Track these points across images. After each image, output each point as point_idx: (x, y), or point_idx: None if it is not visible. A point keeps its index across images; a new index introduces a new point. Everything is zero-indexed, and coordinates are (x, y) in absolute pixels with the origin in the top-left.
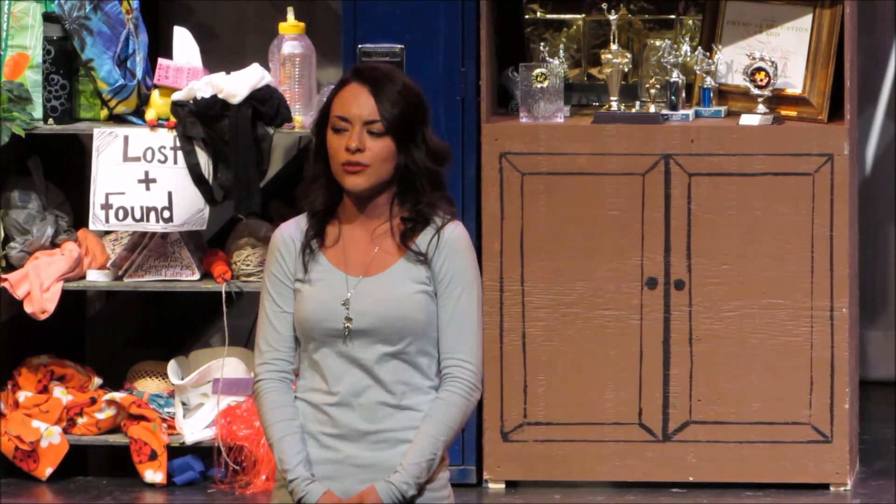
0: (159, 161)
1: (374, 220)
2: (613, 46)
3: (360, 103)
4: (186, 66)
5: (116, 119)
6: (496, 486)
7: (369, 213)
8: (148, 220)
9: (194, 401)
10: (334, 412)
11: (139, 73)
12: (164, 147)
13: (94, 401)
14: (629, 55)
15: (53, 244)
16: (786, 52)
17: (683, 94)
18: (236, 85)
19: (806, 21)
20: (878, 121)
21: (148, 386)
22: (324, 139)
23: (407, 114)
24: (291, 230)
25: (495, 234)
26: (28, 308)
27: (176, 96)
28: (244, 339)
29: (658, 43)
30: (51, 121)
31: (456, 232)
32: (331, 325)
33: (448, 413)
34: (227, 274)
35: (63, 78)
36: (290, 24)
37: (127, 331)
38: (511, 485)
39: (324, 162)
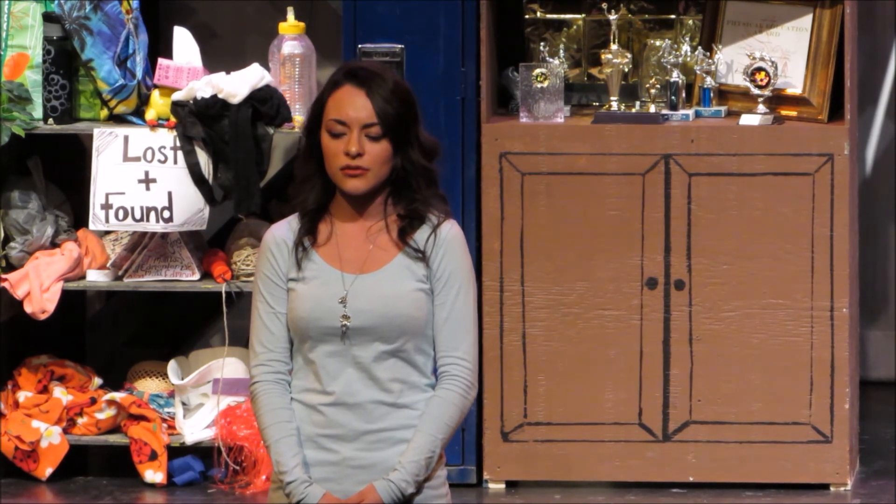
0: (159, 161)
1: (368, 219)
2: (613, 46)
3: (357, 106)
4: (186, 66)
5: (116, 119)
6: (496, 486)
7: (364, 211)
8: (148, 220)
9: (194, 401)
10: (330, 412)
11: (139, 73)
12: (164, 147)
13: (94, 401)
14: (629, 55)
15: (53, 244)
16: (786, 52)
17: (683, 94)
18: (236, 85)
19: (806, 21)
20: (878, 121)
21: (148, 386)
22: (316, 139)
23: (402, 114)
24: (283, 231)
25: (495, 234)
26: (28, 308)
27: (176, 96)
28: (244, 339)
29: (658, 43)
30: (51, 121)
31: (452, 230)
32: (327, 323)
33: (446, 411)
34: (227, 274)
35: (63, 78)
36: (290, 24)
37: (127, 331)
38: (511, 485)
39: (316, 162)
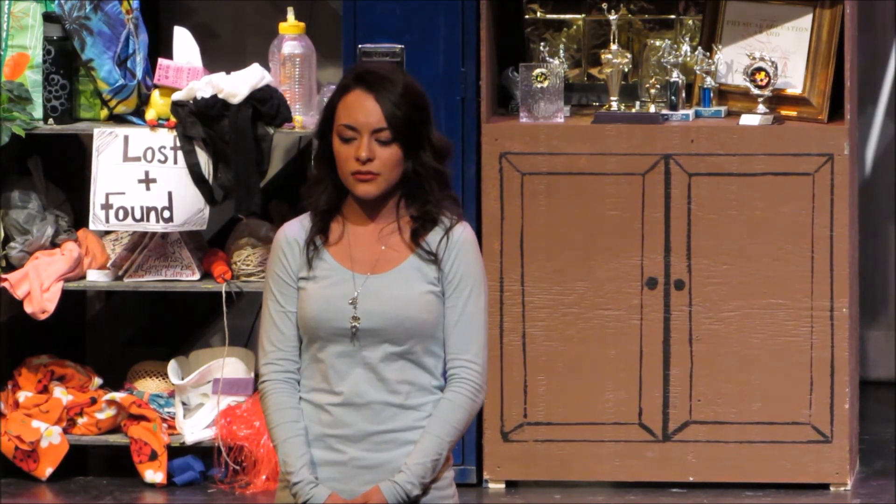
0: (159, 161)
1: (380, 221)
2: (613, 46)
3: (367, 111)
4: (186, 66)
5: (116, 119)
6: (496, 486)
7: (376, 213)
8: (148, 220)
9: (194, 401)
10: (338, 412)
11: (139, 73)
12: (164, 147)
13: (94, 401)
14: (629, 55)
15: (53, 244)
16: (786, 52)
17: (683, 94)
18: (236, 85)
19: (806, 21)
20: (878, 121)
21: (148, 386)
22: (328, 143)
23: (412, 118)
24: (295, 230)
25: (495, 234)
26: (28, 308)
27: (176, 96)
28: (244, 339)
29: (658, 43)
30: (51, 121)
31: (465, 233)
32: (338, 323)
33: (454, 413)
34: (227, 274)
35: (63, 78)
36: (290, 24)
37: (127, 331)
38: (511, 485)
39: (328, 165)
